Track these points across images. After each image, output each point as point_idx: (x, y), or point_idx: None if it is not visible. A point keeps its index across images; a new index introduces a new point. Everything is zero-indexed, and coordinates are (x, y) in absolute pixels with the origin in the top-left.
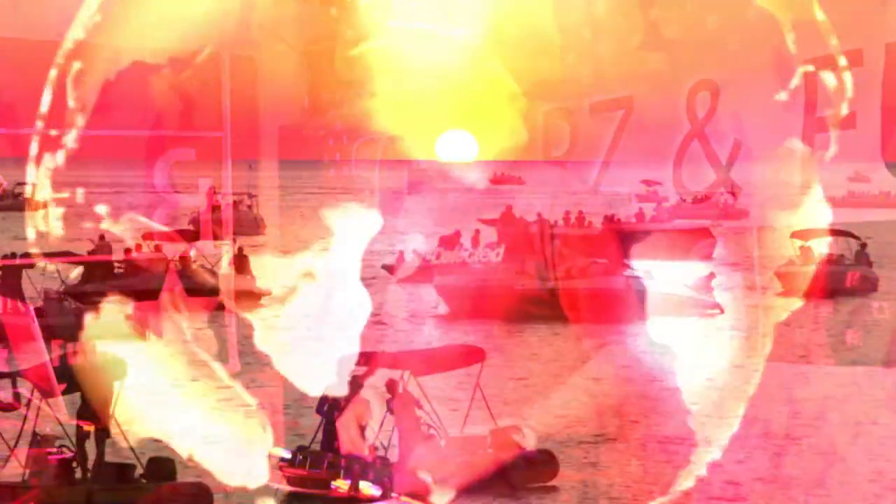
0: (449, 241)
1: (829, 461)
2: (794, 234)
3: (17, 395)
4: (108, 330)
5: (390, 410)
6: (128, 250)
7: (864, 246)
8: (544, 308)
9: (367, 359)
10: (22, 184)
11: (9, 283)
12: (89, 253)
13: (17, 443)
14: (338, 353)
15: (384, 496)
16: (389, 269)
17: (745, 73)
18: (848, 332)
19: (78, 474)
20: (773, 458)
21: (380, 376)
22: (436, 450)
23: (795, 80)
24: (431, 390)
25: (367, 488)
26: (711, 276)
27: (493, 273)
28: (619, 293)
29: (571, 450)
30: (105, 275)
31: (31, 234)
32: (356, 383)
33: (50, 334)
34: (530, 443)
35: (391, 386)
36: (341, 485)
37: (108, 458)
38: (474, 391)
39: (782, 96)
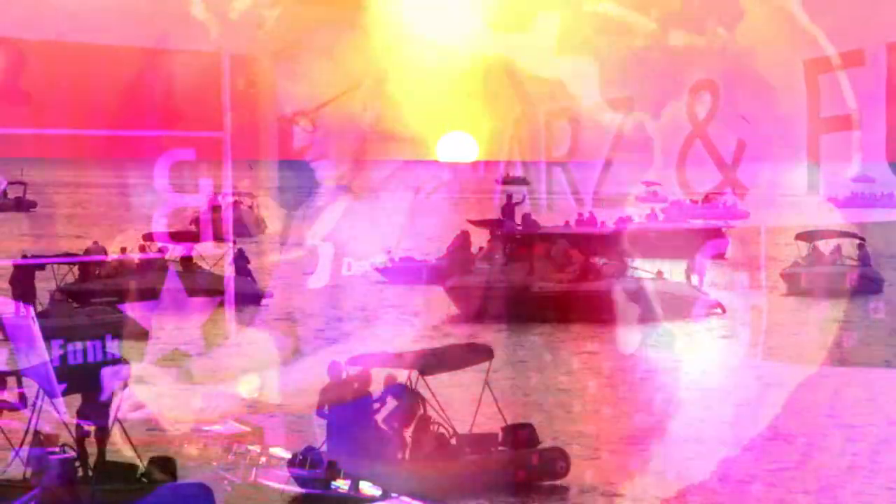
0: (458, 243)
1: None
2: (799, 236)
3: (22, 396)
4: (110, 330)
5: (401, 408)
6: (123, 249)
7: (861, 246)
8: (555, 310)
9: (374, 359)
10: (14, 183)
11: (22, 284)
12: (84, 253)
13: (22, 443)
14: (344, 354)
15: (384, 496)
16: (381, 269)
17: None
18: (849, 332)
19: (80, 473)
20: (776, 458)
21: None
22: (446, 447)
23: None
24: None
25: (368, 488)
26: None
27: (504, 275)
28: (630, 294)
29: (583, 447)
30: (103, 276)
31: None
32: (363, 383)
33: (55, 335)
34: (542, 440)
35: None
36: (341, 485)
37: (109, 457)
38: (483, 389)
39: None
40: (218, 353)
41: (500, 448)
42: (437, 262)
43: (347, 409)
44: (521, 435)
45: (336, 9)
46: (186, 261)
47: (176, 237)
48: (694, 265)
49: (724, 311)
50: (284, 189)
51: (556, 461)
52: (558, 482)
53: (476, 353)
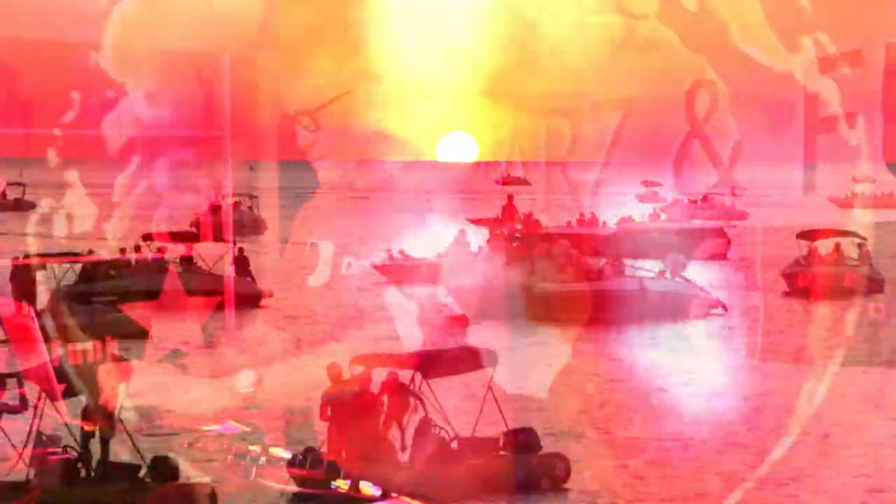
0: (458, 243)
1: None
2: (800, 235)
3: (22, 397)
4: (110, 330)
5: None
6: (122, 250)
7: (861, 246)
8: (556, 310)
9: (377, 359)
10: (14, 184)
11: (23, 283)
12: (87, 254)
13: (26, 444)
14: (344, 354)
15: (384, 496)
16: (380, 268)
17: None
18: (849, 332)
19: (82, 474)
20: (776, 458)
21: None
22: (447, 451)
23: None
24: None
25: (368, 488)
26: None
27: (506, 275)
28: (634, 294)
29: (583, 450)
30: (103, 275)
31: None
32: (363, 383)
33: (55, 335)
34: (543, 445)
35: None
36: (341, 485)
37: (112, 457)
38: (486, 393)
39: None
40: (218, 352)
41: (501, 452)
42: (437, 262)
43: (348, 410)
44: (521, 439)
45: (336, 8)
46: (186, 261)
47: (176, 237)
48: (670, 264)
49: (725, 309)
50: (284, 189)
51: (557, 465)
52: (559, 486)
53: (481, 358)
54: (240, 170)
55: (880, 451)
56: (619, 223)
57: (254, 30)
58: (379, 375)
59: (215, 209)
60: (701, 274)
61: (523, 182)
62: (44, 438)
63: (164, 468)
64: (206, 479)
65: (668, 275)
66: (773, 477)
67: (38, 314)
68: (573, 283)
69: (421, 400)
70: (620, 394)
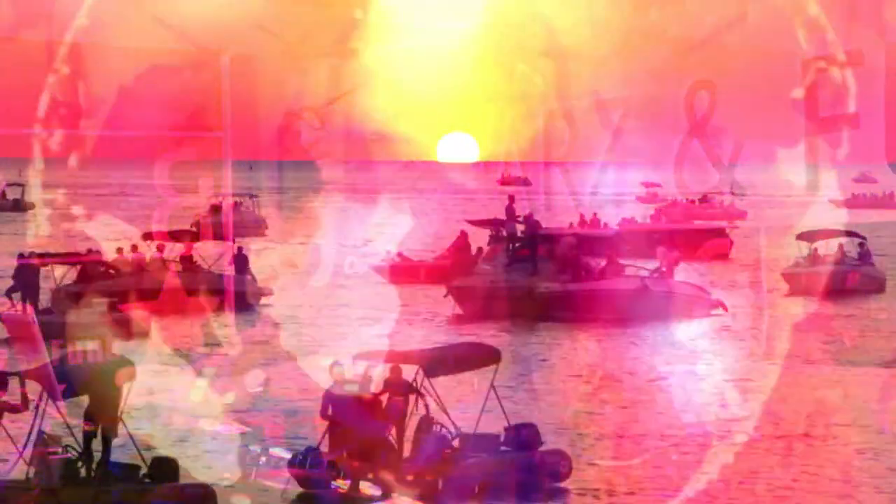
0: (459, 244)
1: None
2: (800, 236)
3: (24, 396)
4: (111, 330)
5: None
6: (119, 249)
7: (862, 245)
8: (558, 310)
9: (381, 356)
10: (14, 184)
11: (28, 282)
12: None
13: (26, 444)
14: (346, 353)
15: (384, 496)
16: (380, 269)
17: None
18: (849, 332)
19: (83, 474)
20: (778, 458)
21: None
22: (448, 448)
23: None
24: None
25: (367, 488)
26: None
27: (507, 275)
28: (634, 294)
29: (585, 448)
30: (102, 275)
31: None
32: (365, 383)
33: (57, 334)
34: (545, 442)
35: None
36: (341, 485)
37: (113, 457)
38: (488, 390)
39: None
40: (218, 352)
41: (503, 448)
42: (437, 262)
43: (349, 409)
44: (523, 435)
45: (337, 9)
46: (187, 260)
47: (175, 236)
48: (663, 262)
49: (725, 309)
50: (284, 189)
51: (559, 462)
52: (560, 483)
53: (483, 356)
54: (240, 170)
55: (883, 452)
56: (621, 224)
57: (254, 30)
58: (381, 373)
59: (215, 209)
60: (701, 274)
61: (523, 182)
62: (45, 438)
63: (164, 468)
64: (206, 480)
65: (663, 268)
66: (774, 477)
67: (39, 314)
68: (574, 283)
69: (423, 397)
70: (622, 392)
